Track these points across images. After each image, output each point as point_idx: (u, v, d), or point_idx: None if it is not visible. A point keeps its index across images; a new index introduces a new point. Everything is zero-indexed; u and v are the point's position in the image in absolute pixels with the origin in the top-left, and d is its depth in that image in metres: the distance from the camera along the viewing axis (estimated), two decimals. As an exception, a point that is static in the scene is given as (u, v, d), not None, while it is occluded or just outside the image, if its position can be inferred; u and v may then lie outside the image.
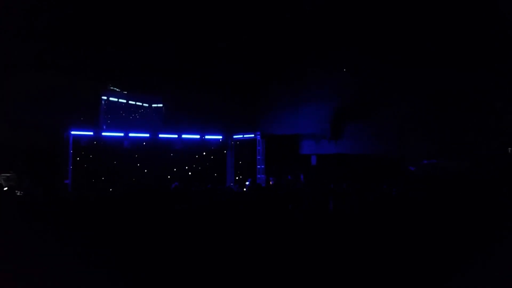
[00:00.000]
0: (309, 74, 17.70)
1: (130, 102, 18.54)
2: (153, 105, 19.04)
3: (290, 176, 16.67)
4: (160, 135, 17.02)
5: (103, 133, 15.90)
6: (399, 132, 13.29)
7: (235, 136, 18.79)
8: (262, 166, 17.54)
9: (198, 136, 17.81)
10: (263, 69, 19.86)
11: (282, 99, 19.47)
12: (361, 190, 10.20)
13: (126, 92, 18.29)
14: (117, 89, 18.07)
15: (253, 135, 17.91)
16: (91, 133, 15.56)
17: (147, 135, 16.77)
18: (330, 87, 16.65)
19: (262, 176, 17.48)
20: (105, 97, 17.84)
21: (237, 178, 18.80)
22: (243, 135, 18.58)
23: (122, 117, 18.02)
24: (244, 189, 15.61)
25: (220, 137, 18.67)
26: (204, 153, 18.65)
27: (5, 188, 13.04)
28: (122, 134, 16.13)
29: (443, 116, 12.34)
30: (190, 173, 18.17)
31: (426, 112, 12.70)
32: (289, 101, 18.96)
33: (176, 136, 17.29)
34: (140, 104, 18.76)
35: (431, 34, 12.03)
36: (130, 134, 16.27)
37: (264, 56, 17.99)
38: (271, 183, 17.14)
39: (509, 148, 11.04)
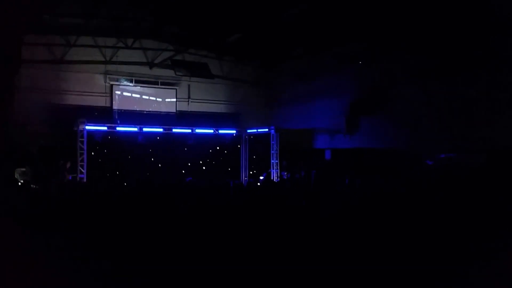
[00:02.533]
0: (324, 66, 17.49)
1: (143, 97, 18.59)
2: (167, 100, 19.05)
3: (304, 171, 16.53)
4: (174, 130, 16.98)
5: (117, 128, 15.92)
6: (416, 126, 12.97)
7: (249, 131, 18.67)
8: (276, 161, 17.39)
9: (211, 131, 17.72)
10: (277, 62, 19.75)
11: (296, 92, 19.31)
12: (377, 185, 10.01)
13: (139, 86, 18.33)
14: (130, 84, 18.11)
15: (267, 129, 17.75)
16: (105, 127, 15.59)
17: (161, 129, 16.75)
18: (346, 80, 16.43)
19: (276, 170, 17.34)
20: (118, 92, 17.91)
21: (251, 172, 18.70)
22: (257, 129, 18.43)
23: (136, 112, 18.08)
24: (258, 184, 15.52)
25: (234, 131, 18.57)
26: (218, 148, 18.60)
27: (21, 182, 13.20)
28: (136, 129, 16.14)
29: (461, 109, 12.02)
30: (204, 168, 18.13)
31: (443, 105, 12.37)
32: (304, 95, 18.78)
33: (189, 130, 17.24)
34: (154, 98, 18.78)
35: (450, 25, 11.70)
36: (144, 129, 16.27)
37: (278, 48, 17.87)
38: (284, 177, 17.05)
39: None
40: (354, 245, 5.15)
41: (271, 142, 17.45)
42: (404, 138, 13.48)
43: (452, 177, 10.62)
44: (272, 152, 17.39)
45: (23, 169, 13.82)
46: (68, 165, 14.81)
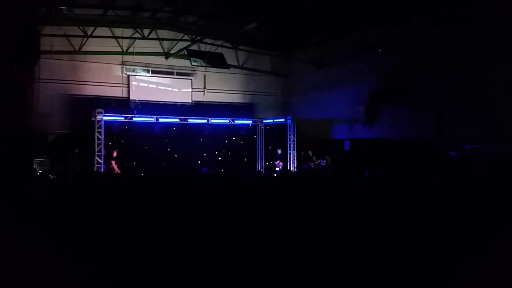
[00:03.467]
0: (342, 54, 17.22)
1: (159, 87, 18.58)
2: (183, 90, 19.01)
3: (323, 161, 16.39)
4: (190, 120, 16.96)
5: (134, 118, 15.96)
6: (438, 115, 12.64)
7: (265, 121, 18.55)
8: (293, 151, 17.26)
9: (227, 121, 17.66)
10: (294, 50, 19.52)
11: (313, 81, 19.09)
12: (398, 176, 9.82)
13: (155, 76, 18.33)
14: (147, 74, 18.10)
15: (283, 120, 17.61)
16: (122, 118, 15.64)
17: (177, 120, 16.74)
18: (365, 68, 16.14)
19: (293, 161, 17.22)
20: (135, 82, 17.92)
21: (267, 163, 18.62)
22: (273, 119, 18.31)
23: (152, 102, 18.08)
24: (275, 175, 15.43)
25: (250, 121, 18.48)
26: (234, 138, 18.52)
27: (39, 172, 13.32)
28: (152, 119, 16.17)
29: (485, 99, 11.69)
30: (219, 158, 18.10)
31: (467, 94, 12.03)
32: (321, 84, 18.54)
33: (205, 121, 17.21)
34: (170, 89, 18.76)
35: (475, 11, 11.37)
36: (160, 119, 16.28)
37: (295, 37, 17.64)
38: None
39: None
40: (374, 240, 5.02)
41: (288, 133, 17.31)
42: (426, 128, 13.17)
43: (476, 168, 10.36)
44: (288, 142, 17.26)
45: (42, 159, 13.93)
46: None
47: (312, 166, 16.48)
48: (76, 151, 14.54)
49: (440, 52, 12.95)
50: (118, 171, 14.80)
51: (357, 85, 16.40)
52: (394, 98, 14.59)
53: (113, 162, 14.93)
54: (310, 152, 16.97)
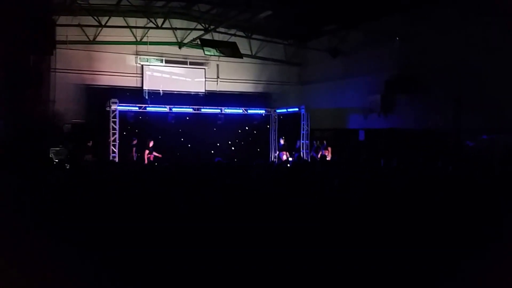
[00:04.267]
0: (358, 42, 17.00)
1: (173, 77, 18.61)
2: (196, 80, 19.00)
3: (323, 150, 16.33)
4: (203, 110, 16.97)
5: (148, 108, 16.02)
6: (456, 105, 12.39)
7: (278, 110, 18.46)
8: (307, 141, 17.15)
9: (240, 111, 17.61)
10: (308, 39, 19.32)
11: (328, 70, 18.91)
12: (414, 167, 9.69)
13: (169, 66, 18.36)
14: (160, 64, 18.13)
15: (297, 109, 17.49)
16: (136, 108, 15.71)
17: (190, 109, 16.76)
18: (381, 56, 15.91)
19: (306, 151, 17.13)
20: (149, 72, 17.97)
21: (289, 153, 18.56)
22: (286, 109, 18.20)
23: (166, 92, 18.13)
24: (288, 165, 15.36)
25: (263, 111, 18.41)
26: (247, 128, 18.48)
27: (55, 162, 13.46)
28: (166, 109, 16.21)
29: (503, 89, 11.42)
30: (232, 148, 18.10)
31: (485, 84, 11.76)
32: (336, 73, 18.36)
33: (218, 110, 17.19)
34: (183, 78, 18.77)
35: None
36: (174, 109, 16.31)
37: (309, 25, 17.43)
38: (282, 159, 16.79)
39: None
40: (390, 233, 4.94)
41: (301, 122, 17.18)
42: (443, 118, 12.93)
43: (494, 159, 10.18)
44: (302, 132, 17.15)
45: (58, 149, 14.08)
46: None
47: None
48: (90, 142, 14.69)
49: (459, 41, 12.69)
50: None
51: (373, 74, 16.18)
52: (411, 88, 14.33)
53: (147, 151, 15.12)
54: (315, 142, 16.95)
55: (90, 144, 14.79)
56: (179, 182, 7.65)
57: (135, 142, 15.26)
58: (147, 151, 15.16)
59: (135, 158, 15.04)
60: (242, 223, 4.69)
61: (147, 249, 3.92)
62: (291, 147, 17.62)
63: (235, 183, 7.54)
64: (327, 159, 15.32)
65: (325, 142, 16.83)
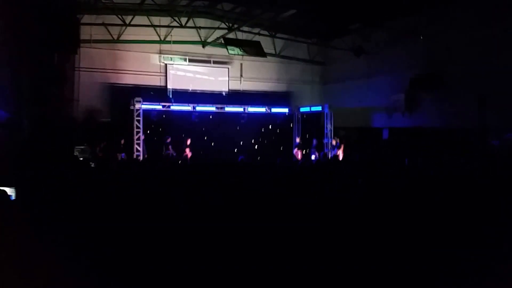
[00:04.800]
0: (382, 41, 16.71)
1: (197, 76, 18.68)
2: (219, 78, 19.03)
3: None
4: (226, 109, 16.98)
5: (172, 107, 16.12)
6: (480, 103, 12.01)
7: (301, 109, 18.32)
8: (330, 140, 16.94)
9: (264, 109, 17.55)
10: (332, 37, 19.13)
11: (352, 69, 18.66)
12: (438, 167, 9.42)
13: (192, 65, 18.45)
14: (184, 63, 18.23)
15: (320, 108, 17.31)
16: (160, 106, 15.83)
17: (214, 108, 16.79)
18: (405, 54, 15.61)
19: (330, 150, 16.93)
20: (173, 71, 18.09)
21: (304, 152, 18.41)
22: (310, 108, 18.04)
23: (189, 91, 18.23)
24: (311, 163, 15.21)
25: (286, 110, 18.31)
26: (270, 127, 18.41)
27: (80, 159, 13.68)
28: (189, 108, 16.28)
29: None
30: (256, 147, 18.06)
31: (510, 81, 11.35)
32: (360, 71, 18.10)
33: (241, 109, 17.17)
34: (206, 77, 18.82)
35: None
36: (197, 108, 16.38)
37: (333, 23, 17.25)
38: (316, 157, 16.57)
39: None
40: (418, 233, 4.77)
41: (325, 121, 17.01)
42: (468, 116, 12.58)
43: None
44: (325, 131, 16.97)
45: (82, 147, 14.30)
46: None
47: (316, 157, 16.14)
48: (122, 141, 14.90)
49: (483, 39, 12.34)
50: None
51: (397, 73, 15.90)
52: (436, 86, 14.00)
53: (187, 149, 15.28)
54: (333, 139, 16.69)
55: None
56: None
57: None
58: (187, 149, 15.33)
59: (172, 155, 15.22)
60: (256, 224, 4.61)
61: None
62: (307, 146, 17.47)
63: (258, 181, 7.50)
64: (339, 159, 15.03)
65: (337, 140, 16.45)
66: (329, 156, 16.22)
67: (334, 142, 16.68)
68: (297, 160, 16.21)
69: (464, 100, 13.07)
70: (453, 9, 13.44)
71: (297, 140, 17.30)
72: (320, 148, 16.70)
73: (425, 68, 14.62)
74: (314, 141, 17.04)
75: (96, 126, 15.77)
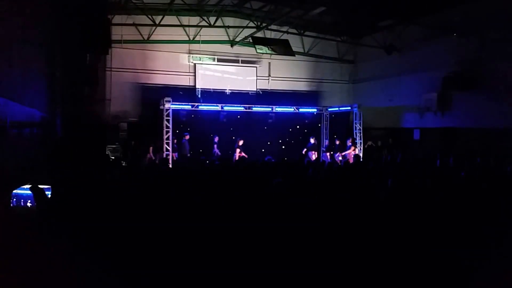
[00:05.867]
0: (413, 38, 16.36)
1: (225, 75, 18.75)
2: (247, 78, 19.04)
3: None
4: (254, 108, 16.96)
5: (200, 107, 16.21)
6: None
7: (330, 109, 18.11)
8: (360, 140, 16.69)
9: (292, 109, 17.44)
10: (362, 35, 18.85)
11: (382, 67, 18.36)
12: (473, 169, 9.14)
13: (221, 64, 18.53)
14: (212, 62, 18.34)
15: (349, 108, 17.08)
16: (189, 106, 15.94)
17: (242, 108, 16.79)
18: (438, 52, 15.23)
19: (360, 151, 16.67)
20: (202, 71, 18.22)
21: (332, 152, 18.20)
22: (338, 107, 17.83)
23: (218, 90, 18.32)
24: (340, 164, 15.00)
25: (315, 109, 18.14)
26: (298, 127, 18.27)
27: (112, 158, 13.93)
28: (218, 108, 16.35)
29: None
30: (283, 147, 17.97)
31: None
32: (390, 70, 17.78)
33: (269, 109, 17.12)
34: (235, 77, 18.87)
35: None
36: (225, 107, 16.43)
37: (364, 21, 16.99)
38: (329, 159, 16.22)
39: None
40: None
41: (354, 121, 16.77)
42: (503, 116, 12.17)
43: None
44: (354, 131, 16.73)
45: (114, 146, 14.56)
46: (241, 142, 15.47)
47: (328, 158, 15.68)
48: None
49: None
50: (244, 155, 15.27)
51: (429, 71, 15.53)
52: (470, 85, 13.60)
53: (237, 150, 15.35)
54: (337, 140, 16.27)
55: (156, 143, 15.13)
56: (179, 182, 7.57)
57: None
58: (238, 150, 15.36)
59: (217, 155, 15.30)
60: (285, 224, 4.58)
61: (150, 248, 3.90)
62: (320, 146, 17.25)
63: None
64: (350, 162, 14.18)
65: (349, 142, 15.88)
66: (337, 158, 15.71)
67: (339, 142, 16.22)
68: (309, 160, 15.68)
69: (498, 100, 12.67)
70: (488, 4, 13.00)
71: (312, 140, 16.87)
72: (342, 149, 16.13)
73: (458, 67, 14.23)
74: (326, 142, 16.79)
75: (127, 126, 16.02)
